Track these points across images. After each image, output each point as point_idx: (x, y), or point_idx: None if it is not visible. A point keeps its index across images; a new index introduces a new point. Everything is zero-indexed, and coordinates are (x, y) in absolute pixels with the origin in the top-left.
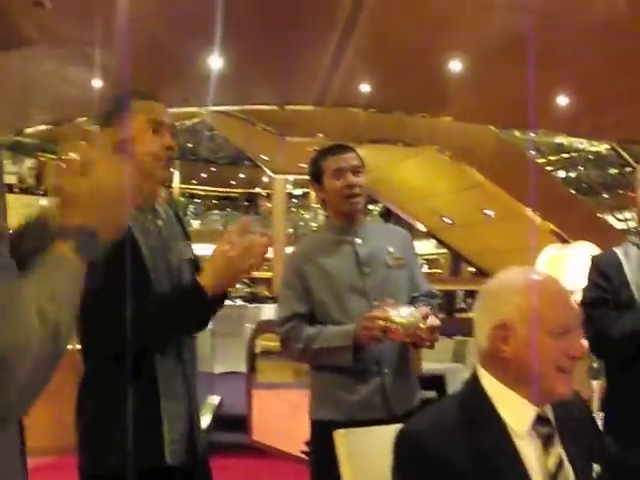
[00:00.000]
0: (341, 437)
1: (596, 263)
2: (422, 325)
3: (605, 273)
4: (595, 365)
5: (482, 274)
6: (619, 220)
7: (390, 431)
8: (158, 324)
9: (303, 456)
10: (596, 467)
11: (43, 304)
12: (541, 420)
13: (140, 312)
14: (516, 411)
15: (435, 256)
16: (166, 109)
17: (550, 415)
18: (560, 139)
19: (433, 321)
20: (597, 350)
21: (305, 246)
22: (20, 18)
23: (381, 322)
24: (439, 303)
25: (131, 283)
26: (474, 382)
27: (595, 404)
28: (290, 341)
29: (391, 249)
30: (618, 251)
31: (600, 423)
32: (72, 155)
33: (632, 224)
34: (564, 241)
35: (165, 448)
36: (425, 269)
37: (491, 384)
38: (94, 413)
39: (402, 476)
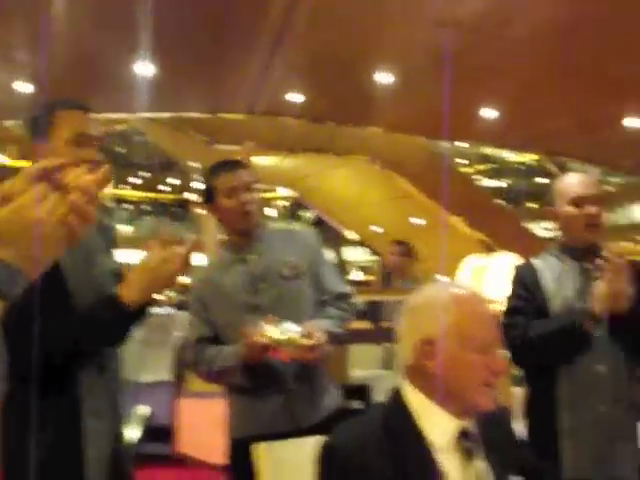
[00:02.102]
0: (258, 451)
1: (516, 273)
2: (305, 342)
3: (524, 283)
4: (517, 373)
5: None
6: (545, 229)
7: (309, 442)
8: (74, 338)
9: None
10: (514, 478)
11: None
12: (464, 434)
13: (55, 327)
14: (438, 425)
15: (370, 263)
16: (93, 120)
17: (473, 428)
18: (488, 150)
19: (319, 337)
20: (516, 358)
21: (204, 269)
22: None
23: (260, 341)
24: (352, 304)
25: (46, 301)
26: (397, 395)
27: (517, 412)
28: (197, 365)
29: (290, 258)
30: (537, 261)
31: (523, 430)
32: None
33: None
34: (492, 250)
35: (87, 468)
36: (360, 276)
37: (414, 398)
38: (15, 433)
39: None
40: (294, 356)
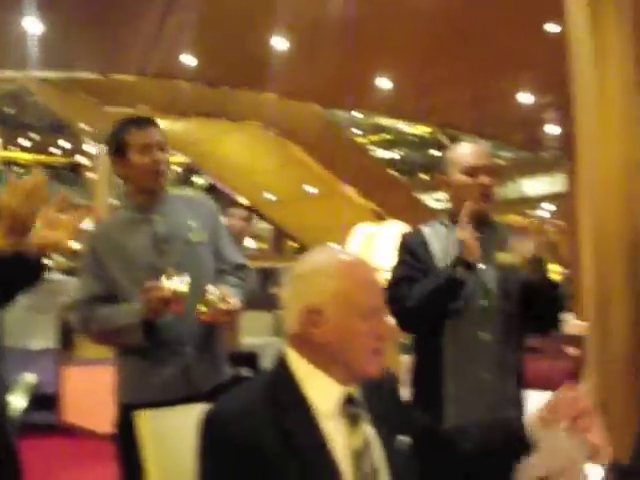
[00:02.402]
0: (141, 419)
1: (404, 241)
2: (223, 306)
3: (412, 251)
4: (405, 341)
5: (304, 250)
6: (436, 200)
7: (194, 410)
8: None
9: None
10: (403, 439)
11: None
12: (349, 400)
13: None
14: (324, 392)
15: (260, 231)
16: None
17: (358, 394)
18: (382, 120)
19: (234, 302)
20: (401, 324)
21: (103, 226)
22: None
23: (159, 293)
24: (250, 275)
25: None
26: (282, 363)
27: (404, 379)
28: (87, 323)
29: (194, 224)
30: (426, 229)
31: (409, 398)
32: None
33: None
34: (382, 219)
35: None
36: (252, 244)
37: (299, 365)
38: None
39: (207, 459)
40: (209, 319)
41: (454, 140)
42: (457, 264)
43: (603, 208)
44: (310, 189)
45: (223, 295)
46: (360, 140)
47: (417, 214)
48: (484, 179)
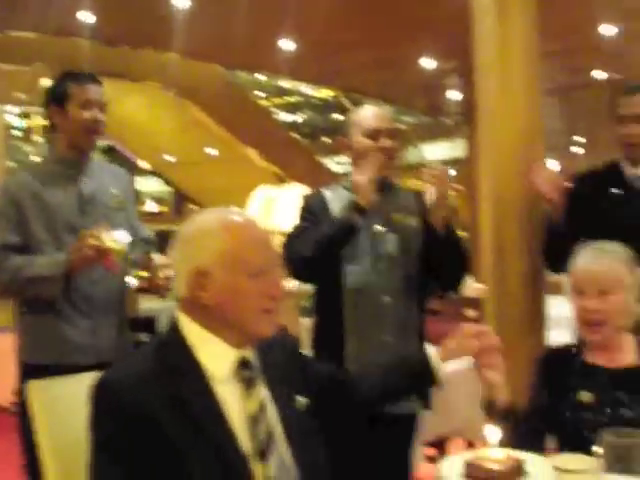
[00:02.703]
0: (32, 389)
1: (305, 202)
2: (162, 274)
3: (312, 211)
4: (305, 303)
5: None
6: (338, 164)
7: (87, 379)
8: None
9: (11, 407)
10: (301, 399)
11: None
12: (243, 364)
13: None
14: (217, 356)
15: (163, 194)
16: None
17: (253, 357)
18: (285, 83)
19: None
20: (296, 272)
21: (25, 176)
22: None
23: (96, 242)
24: (155, 248)
25: None
26: (174, 328)
27: (303, 341)
28: None
29: (114, 191)
30: (327, 192)
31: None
32: None
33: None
34: (284, 182)
35: None
36: (154, 207)
37: (191, 330)
38: None
39: (98, 427)
40: (148, 285)
41: (357, 104)
42: (350, 208)
43: (502, 174)
44: (211, 151)
45: (162, 263)
46: (263, 103)
47: (319, 177)
48: (385, 142)
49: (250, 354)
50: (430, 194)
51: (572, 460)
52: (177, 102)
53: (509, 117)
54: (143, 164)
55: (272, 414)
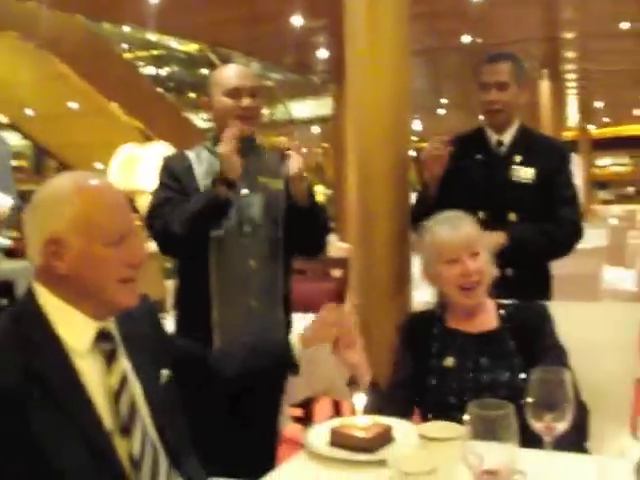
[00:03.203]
0: None
1: (167, 164)
2: None
3: (175, 174)
4: (169, 266)
5: (67, 169)
6: (204, 120)
7: None
8: None
9: None
10: (164, 372)
11: None
12: (104, 336)
13: None
14: (76, 329)
15: (22, 148)
16: None
17: (114, 329)
18: (151, 36)
19: None
20: (164, 248)
21: None
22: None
23: None
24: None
25: None
26: (30, 299)
27: (168, 303)
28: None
29: None
30: (190, 154)
31: (173, 323)
32: None
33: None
34: (149, 138)
35: None
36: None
37: (47, 301)
38: None
39: None
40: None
41: (225, 60)
42: (217, 182)
43: (369, 134)
44: (73, 105)
45: None
46: (128, 55)
47: (185, 134)
48: (246, 101)
49: (111, 325)
50: (292, 167)
51: (439, 428)
52: (37, 53)
53: (377, 77)
54: (1, 118)
55: (135, 387)
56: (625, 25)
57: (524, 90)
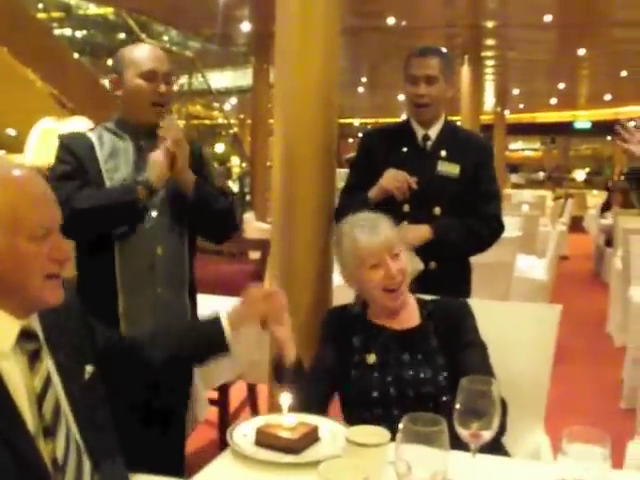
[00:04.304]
0: None
1: (66, 142)
2: None
3: (76, 155)
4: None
5: None
6: None
7: None
8: None
9: None
10: (89, 368)
11: None
12: (27, 335)
13: None
14: (1, 328)
15: None
16: None
17: (37, 326)
18: None
19: None
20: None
21: None
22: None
23: None
24: None
25: None
26: None
27: None
28: None
29: None
30: (92, 135)
31: None
32: None
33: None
34: (64, 106)
35: None
36: None
37: None
38: None
39: None
40: None
41: (143, 26)
42: (140, 186)
43: (297, 112)
44: None
45: None
46: (41, 17)
47: (101, 101)
48: (162, 87)
49: (34, 323)
50: (152, 154)
51: (366, 432)
52: None
53: (307, 54)
54: None
55: (58, 387)
56: (548, 18)
57: (451, 86)
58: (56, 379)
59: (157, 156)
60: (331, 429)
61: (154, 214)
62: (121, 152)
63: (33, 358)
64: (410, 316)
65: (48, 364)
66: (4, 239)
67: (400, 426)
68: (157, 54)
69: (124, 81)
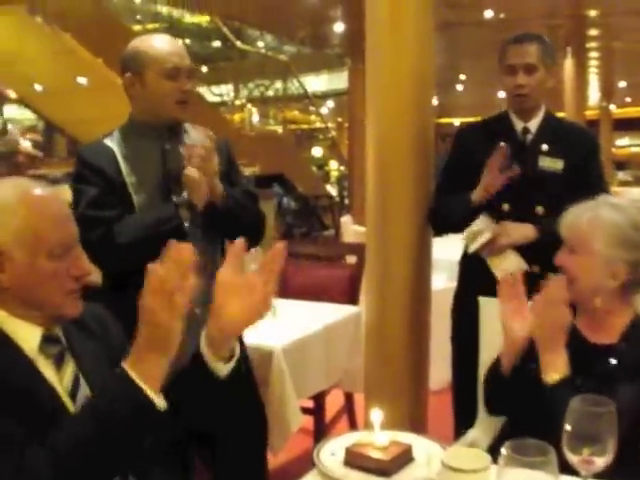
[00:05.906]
0: None
1: (86, 159)
2: None
3: (100, 170)
4: None
5: (77, 144)
6: (215, 95)
7: None
8: None
9: None
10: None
11: None
12: (50, 340)
13: None
14: (18, 334)
15: (32, 121)
16: None
17: (59, 331)
18: (161, 8)
19: None
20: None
21: None
22: None
23: None
24: None
25: None
26: None
27: None
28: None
29: None
30: (111, 143)
31: None
32: None
33: (227, 98)
34: None
35: None
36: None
37: None
38: None
39: None
40: None
41: (237, 33)
42: (181, 206)
43: (390, 114)
44: (82, 80)
45: None
46: (137, 28)
47: (197, 108)
48: (186, 84)
49: (56, 329)
50: (190, 174)
51: (464, 456)
52: (45, 28)
53: (399, 53)
54: (11, 93)
55: (86, 390)
56: None
57: (552, 74)
58: (82, 383)
59: (193, 174)
60: (426, 449)
61: (186, 224)
62: (144, 155)
63: (58, 360)
64: None
65: (72, 366)
66: (25, 258)
67: (502, 452)
68: (177, 48)
69: (145, 82)
